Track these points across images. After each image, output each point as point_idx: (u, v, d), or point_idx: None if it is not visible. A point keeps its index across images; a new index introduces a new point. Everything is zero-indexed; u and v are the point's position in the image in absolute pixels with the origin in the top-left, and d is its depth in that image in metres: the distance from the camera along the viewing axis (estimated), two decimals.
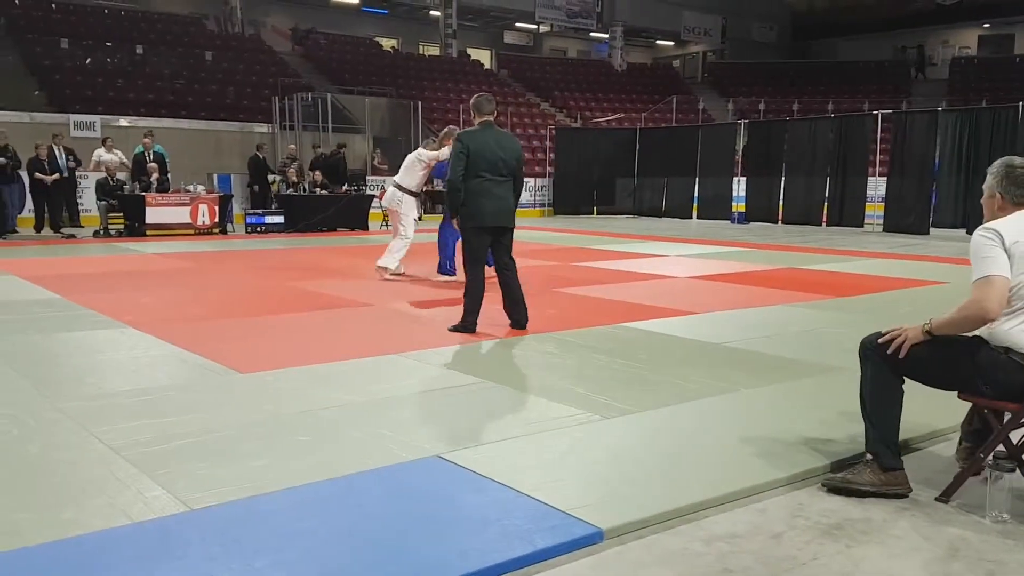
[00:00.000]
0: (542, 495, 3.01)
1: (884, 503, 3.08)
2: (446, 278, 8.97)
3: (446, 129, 9.03)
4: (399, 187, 9.01)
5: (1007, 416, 3.06)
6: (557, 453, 3.52)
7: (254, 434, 3.71)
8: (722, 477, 3.25)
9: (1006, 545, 2.76)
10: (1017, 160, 3.13)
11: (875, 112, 17.59)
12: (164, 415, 3.95)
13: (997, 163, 3.17)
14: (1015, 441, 3.11)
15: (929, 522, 2.93)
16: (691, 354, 5.51)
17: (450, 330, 6.00)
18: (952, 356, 3.08)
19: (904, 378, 3.18)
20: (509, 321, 6.17)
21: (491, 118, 6.06)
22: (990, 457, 3.07)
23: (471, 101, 6.18)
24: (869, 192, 17.38)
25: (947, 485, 3.13)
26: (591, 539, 2.74)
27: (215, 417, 3.94)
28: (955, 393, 3.17)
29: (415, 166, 8.96)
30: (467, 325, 6.00)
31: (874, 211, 17.23)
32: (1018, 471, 3.03)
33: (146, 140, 15.90)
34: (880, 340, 3.15)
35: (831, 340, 5.90)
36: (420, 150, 9.07)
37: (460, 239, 6.33)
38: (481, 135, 5.95)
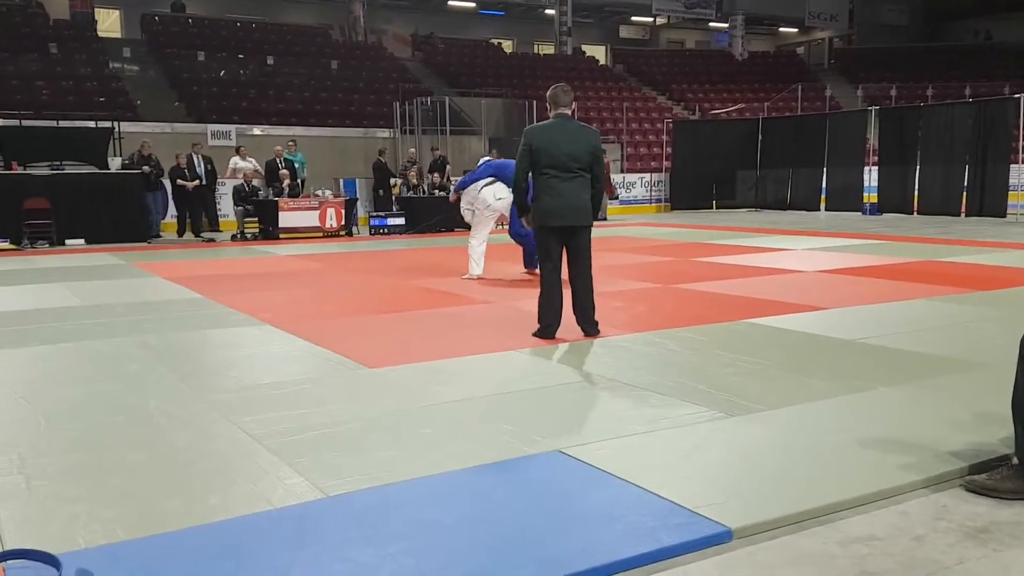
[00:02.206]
0: (667, 492, 2.98)
1: None
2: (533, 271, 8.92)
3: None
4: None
5: None
6: (681, 451, 3.47)
7: (382, 426, 3.82)
8: (857, 477, 3.12)
9: None
10: None
11: (1017, 96, 16.46)
12: (300, 407, 4.12)
13: None
14: None
15: None
16: (822, 351, 5.31)
17: (533, 336, 5.74)
18: None
19: None
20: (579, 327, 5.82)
21: (566, 110, 5.63)
22: None
23: (547, 93, 5.78)
24: (1012, 180, 16.31)
25: None
26: (720, 538, 2.68)
27: (346, 409, 4.08)
28: None
29: None
30: (542, 331, 5.72)
31: (1018, 200, 16.15)
32: None
33: (277, 148, 16.66)
34: None
35: (975, 336, 5.57)
36: None
37: None
38: (548, 130, 5.62)
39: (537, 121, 22.22)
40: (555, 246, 5.67)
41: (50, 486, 3.14)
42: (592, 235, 5.77)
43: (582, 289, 5.76)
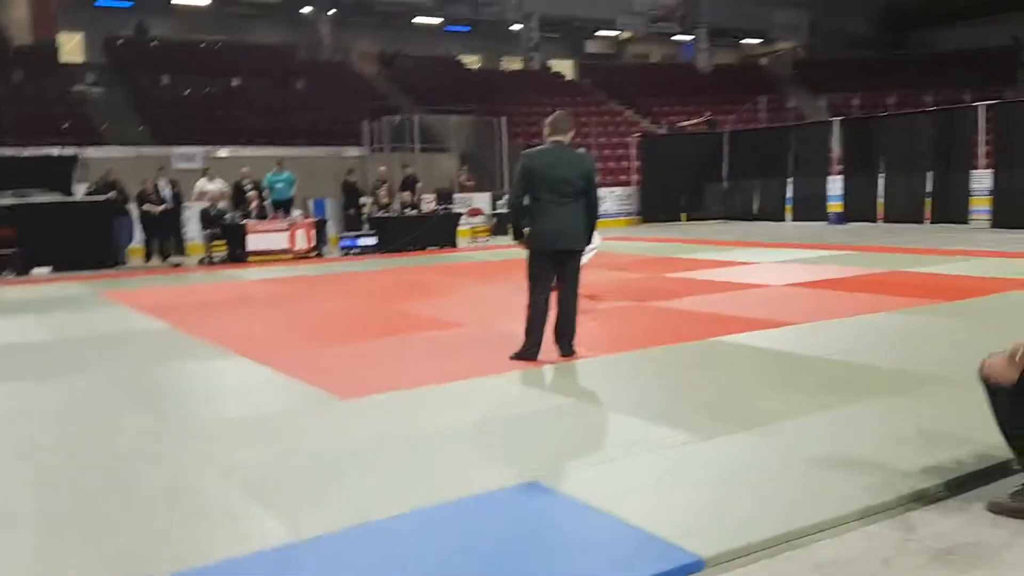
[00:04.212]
0: (641, 521, 3.01)
1: (998, 526, 2.96)
2: None
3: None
4: None
5: None
6: (656, 477, 3.51)
7: (360, 460, 3.82)
8: (829, 499, 3.17)
9: None
10: None
11: (977, 104, 16.82)
12: (273, 442, 4.11)
13: None
14: None
15: None
16: (791, 369, 5.40)
17: (511, 358, 5.73)
18: None
19: None
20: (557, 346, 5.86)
21: (563, 138, 5.76)
22: None
23: (548, 119, 5.86)
24: (974, 186, 16.64)
25: None
26: (692, 568, 2.72)
27: (321, 443, 4.08)
28: None
29: None
30: (524, 352, 5.73)
31: (980, 206, 16.48)
32: None
33: (244, 169, 16.57)
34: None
35: (940, 349, 5.68)
36: None
37: None
38: (544, 155, 5.73)
39: (508, 137, 22.44)
40: (549, 269, 5.76)
41: (19, 532, 3.11)
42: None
43: (568, 311, 5.84)
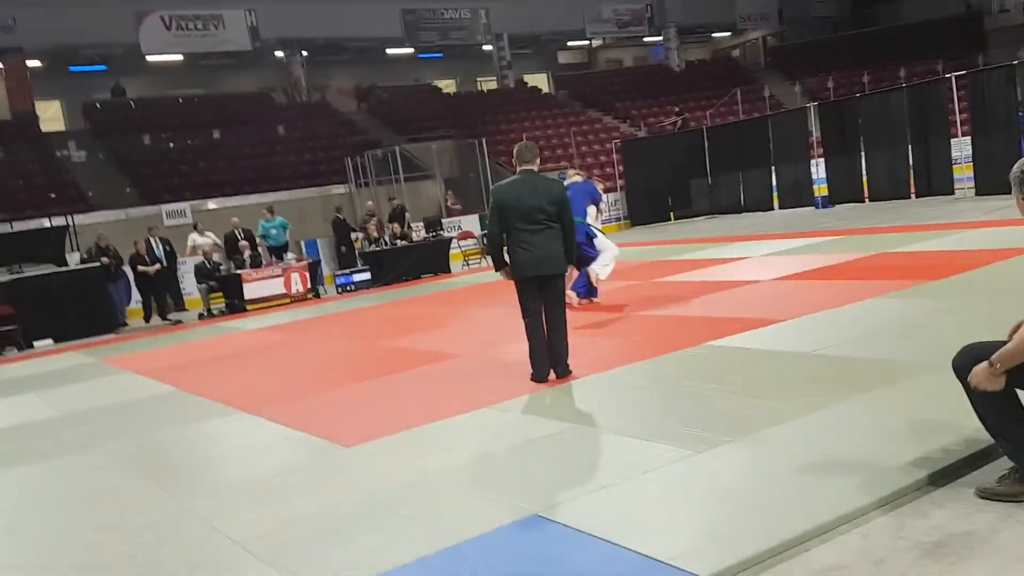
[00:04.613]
0: (640, 545, 3.09)
1: (987, 512, 3.03)
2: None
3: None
4: None
5: None
6: (653, 498, 3.59)
7: (364, 512, 3.90)
8: (821, 504, 3.25)
9: None
10: None
11: (948, 76, 16.96)
12: (280, 501, 4.19)
13: (1014, 169, 3.11)
14: None
15: None
16: (781, 368, 5.48)
17: (532, 380, 5.99)
18: None
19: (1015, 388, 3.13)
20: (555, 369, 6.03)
21: (531, 166, 5.97)
22: None
23: (514, 150, 6.13)
24: (955, 154, 16.74)
25: None
26: None
27: (327, 498, 4.16)
28: None
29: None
30: (534, 377, 5.97)
31: (964, 174, 16.57)
32: None
33: (234, 220, 16.72)
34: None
35: (930, 333, 5.75)
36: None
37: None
38: (512, 186, 5.94)
39: (488, 158, 22.60)
40: (534, 296, 5.94)
41: None
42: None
43: (556, 336, 6.00)
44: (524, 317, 6.00)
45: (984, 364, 3.04)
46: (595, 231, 9.23)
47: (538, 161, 6.08)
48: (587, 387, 5.78)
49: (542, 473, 4.15)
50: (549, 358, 5.98)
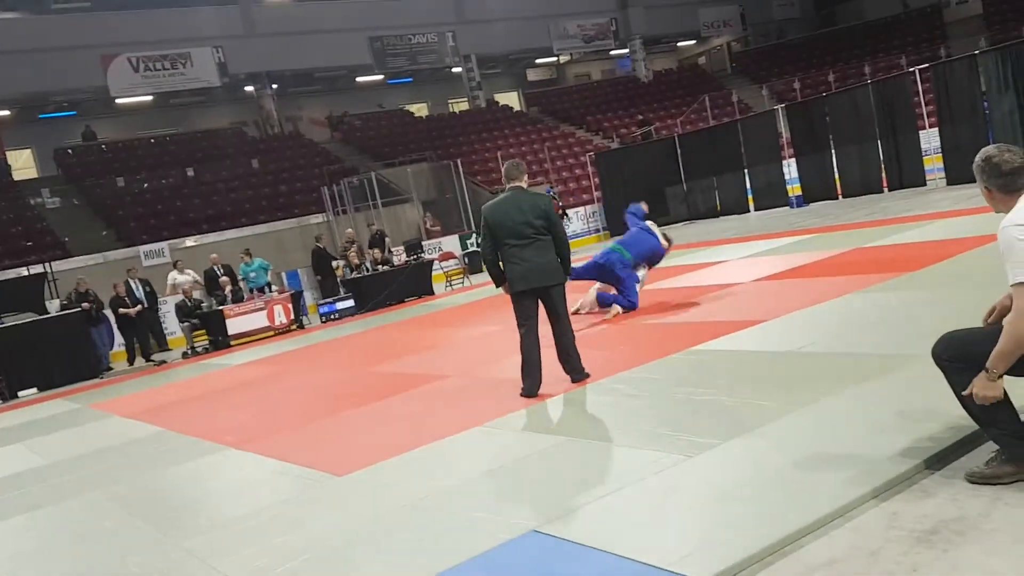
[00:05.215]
0: (639, 554, 3.11)
1: (977, 496, 3.08)
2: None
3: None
4: None
5: None
6: (648, 505, 3.61)
7: (361, 540, 3.90)
8: (813, 500, 3.28)
9: None
10: (990, 150, 3.13)
11: (912, 69, 17.23)
12: (275, 535, 4.17)
13: (976, 158, 3.17)
14: None
15: (1023, 508, 2.92)
16: (766, 368, 5.53)
17: (522, 395, 6.05)
18: None
19: None
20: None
21: (520, 183, 6.13)
22: None
23: (503, 169, 6.32)
24: (925, 145, 16.98)
25: None
26: None
27: (324, 528, 4.15)
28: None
29: None
30: (524, 391, 6.03)
31: (934, 165, 16.79)
32: None
33: (213, 256, 16.68)
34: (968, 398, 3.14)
35: (909, 325, 5.81)
36: None
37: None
38: (500, 205, 6.07)
39: (466, 177, 22.69)
40: (529, 308, 6.07)
41: None
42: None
43: (564, 344, 6.14)
44: (519, 327, 6.11)
45: (981, 375, 3.05)
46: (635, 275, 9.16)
47: (526, 178, 6.24)
48: (578, 399, 5.81)
49: (538, 488, 4.17)
50: (563, 363, 6.15)
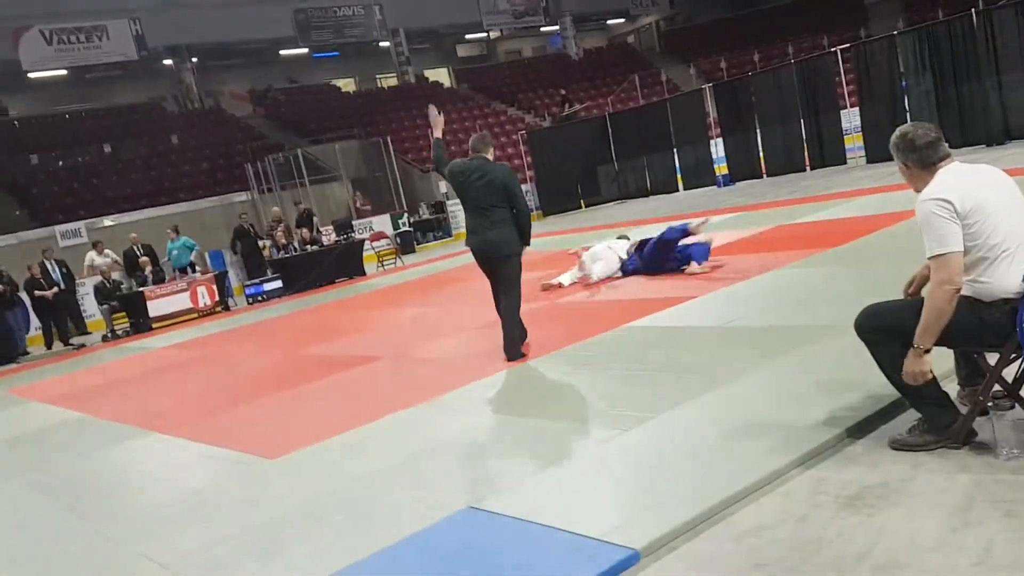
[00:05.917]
0: (575, 526, 3.13)
1: (899, 462, 3.18)
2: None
3: None
4: None
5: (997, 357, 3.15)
6: (583, 478, 3.64)
7: (294, 522, 3.83)
8: (741, 468, 3.35)
9: (1020, 481, 2.86)
10: (905, 128, 3.24)
11: (834, 50, 17.65)
12: (205, 519, 4.08)
13: (892, 137, 3.26)
14: (1009, 379, 3.20)
15: (943, 474, 3.04)
16: (696, 342, 5.62)
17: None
18: (961, 327, 3.07)
19: None
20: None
21: (484, 154, 6.12)
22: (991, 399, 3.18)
23: (469, 142, 6.35)
24: (845, 124, 17.45)
25: (957, 431, 3.22)
26: (629, 561, 2.85)
27: (254, 512, 4.07)
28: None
29: None
30: (508, 355, 6.13)
31: (854, 144, 17.28)
32: (1018, 406, 3.14)
33: (132, 236, 16.15)
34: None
35: (832, 298, 5.97)
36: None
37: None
38: (464, 165, 6.11)
39: (396, 155, 22.38)
40: (489, 275, 6.21)
41: None
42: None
43: (506, 317, 6.16)
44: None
45: (909, 353, 3.10)
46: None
47: (491, 150, 6.25)
48: (513, 378, 5.80)
49: (473, 466, 4.17)
50: (504, 341, 6.12)
